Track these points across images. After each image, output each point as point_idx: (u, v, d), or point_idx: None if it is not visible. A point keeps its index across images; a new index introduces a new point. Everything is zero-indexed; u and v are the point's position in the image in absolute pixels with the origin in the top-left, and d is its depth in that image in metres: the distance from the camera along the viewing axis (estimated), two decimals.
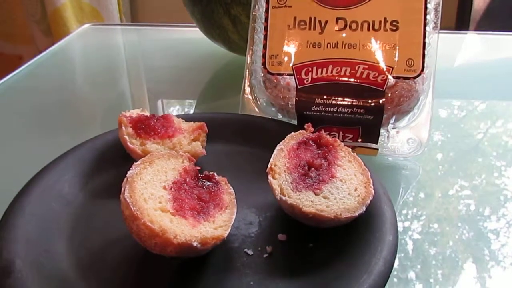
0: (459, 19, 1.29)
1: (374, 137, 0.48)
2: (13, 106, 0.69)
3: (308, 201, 0.35)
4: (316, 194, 0.36)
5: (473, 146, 0.56)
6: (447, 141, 0.57)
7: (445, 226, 0.42)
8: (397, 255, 0.35)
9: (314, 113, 0.47)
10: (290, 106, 0.49)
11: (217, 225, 0.33)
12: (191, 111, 0.68)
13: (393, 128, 0.49)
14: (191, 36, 0.90)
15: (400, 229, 0.41)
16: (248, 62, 0.52)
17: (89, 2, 1.55)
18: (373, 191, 0.36)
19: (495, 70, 0.80)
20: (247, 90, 0.53)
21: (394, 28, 0.46)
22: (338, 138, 0.48)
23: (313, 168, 0.38)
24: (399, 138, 0.50)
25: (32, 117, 0.64)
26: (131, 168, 0.34)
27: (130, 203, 0.31)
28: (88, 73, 0.82)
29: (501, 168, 0.51)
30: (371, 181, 0.37)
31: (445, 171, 0.51)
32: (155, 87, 0.77)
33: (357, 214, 0.34)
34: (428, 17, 0.46)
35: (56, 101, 0.69)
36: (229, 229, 0.33)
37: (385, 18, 0.46)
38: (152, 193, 0.33)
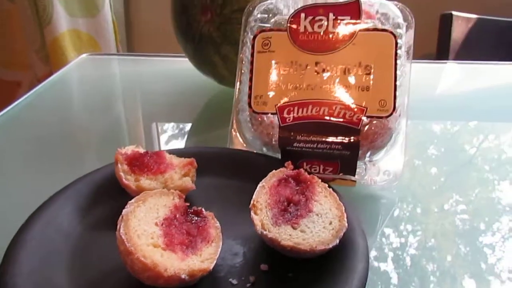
0: (439, 48, 1.35)
1: (352, 170, 0.52)
2: (12, 137, 0.71)
3: (286, 235, 0.38)
4: (294, 228, 0.39)
5: (459, 165, 0.60)
6: (431, 161, 0.61)
7: (427, 242, 0.46)
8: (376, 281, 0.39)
9: (296, 149, 0.51)
10: (274, 142, 0.53)
11: (204, 258, 0.37)
12: (184, 138, 0.71)
13: (370, 161, 0.53)
14: (185, 66, 0.94)
15: (378, 255, 0.45)
16: (236, 100, 0.56)
17: (87, 32, 1.60)
18: (346, 224, 0.40)
19: (474, 97, 0.84)
20: (235, 126, 0.57)
21: (368, 72, 0.50)
22: (319, 171, 0.52)
23: (292, 204, 0.42)
24: (376, 170, 0.54)
25: (31, 148, 0.67)
26: (126, 206, 0.38)
27: (125, 240, 0.35)
28: (86, 103, 0.86)
29: (474, 197, 0.55)
30: (345, 215, 0.41)
31: (421, 199, 0.54)
32: (150, 114, 0.81)
33: (331, 246, 0.38)
34: (399, 61, 0.50)
35: (55, 132, 0.72)
36: (215, 261, 0.37)
37: (359, 63, 0.50)
38: (145, 230, 0.37)
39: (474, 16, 1.40)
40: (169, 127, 0.77)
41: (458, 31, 1.33)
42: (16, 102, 0.80)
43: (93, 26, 1.62)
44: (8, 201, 0.55)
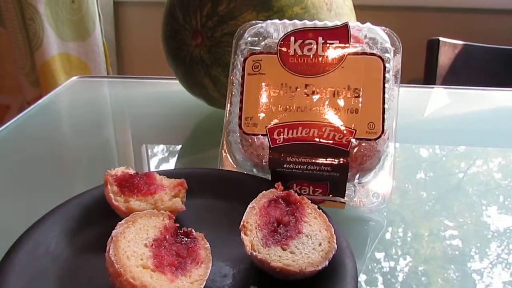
0: (426, 73, 1.38)
1: (341, 192, 0.52)
2: (1, 159, 0.71)
3: (276, 256, 0.38)
4: (283, 249, 0.39)
5: (448, 190, 0.60)
6: (419, 186, 0.61)
7: (416, 267, 0.46)
8: None
9: (286, 170, 0.51)
10: (264, 163, 0.53)
11: (193, 279, 0.37)
12: (175, 160, 0.71)
13: (359, 183, 0.54)
14: (175, 88, 0.94)
15: (373, 271, 0.45)
16: (226, 121, 0.57)
17: (77, 55, 1.61)
18: (335, 246, 0.40)
19: (461, 122, 0.86)
20: (225, 147, 0.57)
21: (357, 95, 0.51)
22: (309, 192, 0.52)
23: (281, 225, 0.42)
24: (365, 192, 0.54)
25: (20, 171, 0.67)
26: (115, 228, 0.38)
27: (114, 261, 0.34)
28: (76, 125, 0.85)
29: (464, 222, 0.55)
30: (335, 237, 0.41)
31: (418, 215, 0.55)
32: (140, 136, 0.81)
33: (320, 268, 0.38)
34: (387, 84, 0.51)
35: (44, 154, 0.72)
36: (204, 283, 0.37)
37: (348, 86, 0.51)
38: (135, 251, 0.36)
39: (460, 42, 1.43)
40: (159, 149, 0.77)
41: (445, 57, 1.36)
42: (5, 125, 0.80)
43: (84, 50, 1.63)
44: None
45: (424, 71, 1.39)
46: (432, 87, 1.08)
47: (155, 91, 1.01)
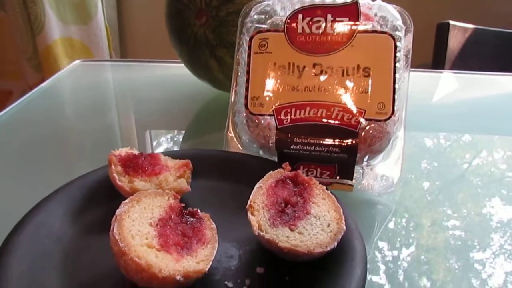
0: (435, 58, 1.35)
1: (349, 174, 0.51)
2: (4, 142, 0.70)
3: (284, 237, 0.37)
4: (291, 230, 0.38)
5: (452, 180, 0.59)
6: (424, 175, 0.60)
7: (419, 256, 0.45)
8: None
9: (293, 151, 0.50)
10: (270, 144, 0.52)
11: (199, 259, 0.36)
12: (179, 144, 0.70)
13: (367, 165, 0.53)
14: (179, 72, 0.93)
15: (375, 259, 0.44)
16: (232, 102, 0.56)
17: (79, 39, 1.59)
18: (344, 227, 0.39)
19: (469, 107, 0.84)
20: (231, 128, 0.56)
21: (366, 74, 0.49)
22: (316, 175, 0.51)
23: (289, 205, 0.41)
24: (373, 175, 0.53)
25: (23, 154, 0.66)
26: (119, 207, 0.37)
27: (118, 240, 0.33)
28: (78, 109, 0.84)
29: (467, 213, 0.54)
30: (343, 218, 0.40)
31: (421, 205, 0.54)
32: (143, 120, 0.80)
33: (329, 249, 0.37)
34: (397, 64, 0.50)
35: (47, 137, 0.71)
36: (210, 263, 0.36)
37: (358, 65, 0.50)
38: (139, 230, 0.35)
39: (471, 26, 1.40)
40: (163, 132, 0.76)
41: (455, 41, 1.33)
42: (7, 108, 0.79)
43: (86, 34, 1.61)
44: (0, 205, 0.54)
45: (433, 55, 1.36)
46: (441, 72, 1.06)
47: (158, 75, 1.00)
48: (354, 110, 0.49)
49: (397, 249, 0.46)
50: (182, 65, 0.81)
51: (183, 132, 0.76)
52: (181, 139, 0.73)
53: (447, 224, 0.50)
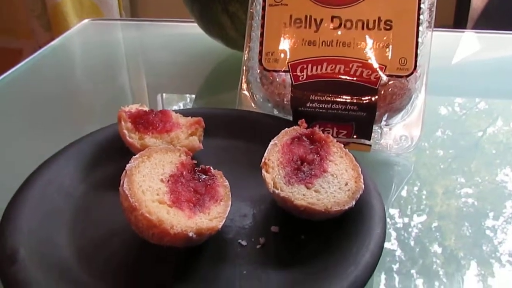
0: (457, 17, 1.30)
1: (367, 133, 0.49)
2: (13, 101, 0.69)
3: (300, 195, 0.36)
4: (308, 188, 0.37)
5: (473, 144, 0.57)
6: (443, 138, 0.58)
7: (436, 221, 0.44)
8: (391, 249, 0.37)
9: (309, 109, 0.48)
10: (285, 102, 0.50)
11: (212, 216, 0.35)
12: (190, 106, 0.69)
13: (386, 125, 0.51)
14: (190, 31, 0.91)
15: (393, 223, 0.43)
16: (245, 58, 0.53)
17: None
18: (363, 186, 0.37)
19: (492, 69, 0.81)
20: (244, 86, 0.54)
21: (388, 27, 0.47)
22: (332, 134, 0.49)
23: (305, 163, 0.39)
24: (392, 135, 0.51)
25: (33, 112, 0.65)
26: (129, 162, 0.36)
27: (128, 195, 0.32)
28: (88, 68, 0.83)
29: (499, 166, 0.52)
30: (362, 176, 0.38)
31: (439, 168, 0.52)
32: (154, 81, 0.78)
33: (346, 207, 0.35)
34: (421, 17, 0.47)
35: (57, 96, 0.70)
36: (224, 221, 0.35)
37: (379, 18, 0.47)
38: (150, 186, 0.34)
39: None
40: (174, 92, 0.74)
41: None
42: (17, 66, 0.78)
43: None
44: (9, 162, 0.54)
45: (454, 14, 1.31)
46: (463, 31, 1.01)
47: (169, 34, 0.98)
48: (374, 65, 0.46)
49: (408, 216, 0.44)
50: (194, 24, 0.78)
51: (195, 91, 0.74)
52: (193, 98, 0.71)
53: (459, 192, 0.48)
